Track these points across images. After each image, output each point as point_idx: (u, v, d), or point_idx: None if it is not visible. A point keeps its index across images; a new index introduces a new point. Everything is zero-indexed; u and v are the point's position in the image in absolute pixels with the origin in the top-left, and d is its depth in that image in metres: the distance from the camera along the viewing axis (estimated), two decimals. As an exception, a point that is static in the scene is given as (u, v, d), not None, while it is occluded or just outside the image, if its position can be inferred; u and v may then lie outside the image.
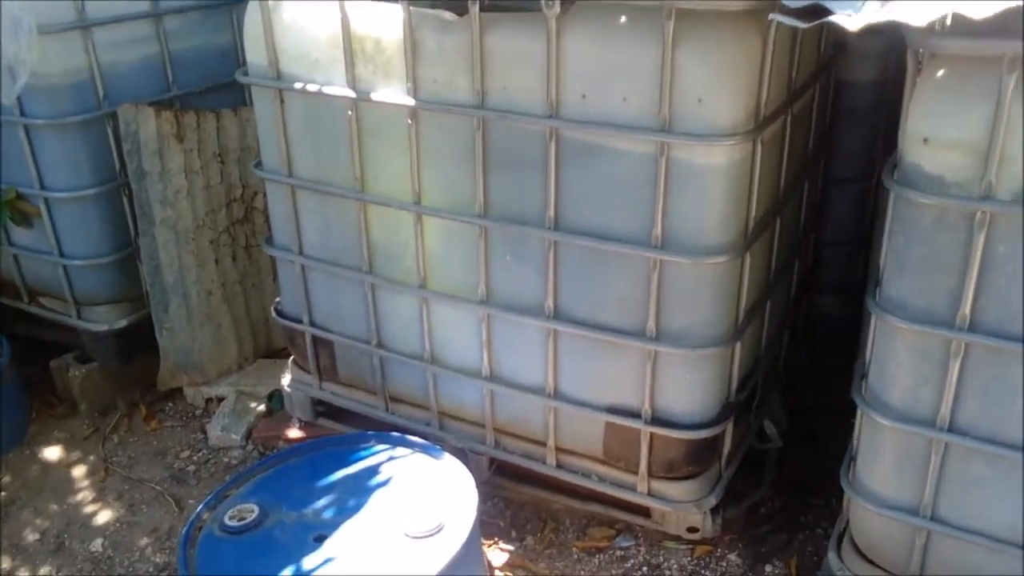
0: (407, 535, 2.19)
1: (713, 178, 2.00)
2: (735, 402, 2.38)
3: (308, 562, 2.14)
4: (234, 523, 2.24)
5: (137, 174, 2.75)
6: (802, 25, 1.63)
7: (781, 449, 2.70)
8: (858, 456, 2.11)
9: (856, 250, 3.09)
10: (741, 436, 2.55)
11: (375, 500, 2.32)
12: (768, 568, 2.45)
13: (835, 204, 3.05)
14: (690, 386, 2.26)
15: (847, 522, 2.25)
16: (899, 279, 1.85)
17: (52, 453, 2.93)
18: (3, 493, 2.75)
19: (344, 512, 2.28)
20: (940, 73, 1.67)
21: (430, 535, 2.19)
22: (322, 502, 2.32)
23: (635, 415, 2.29)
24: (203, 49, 2.98)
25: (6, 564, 2.50)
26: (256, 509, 2.27)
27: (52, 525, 2.64)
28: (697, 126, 1.93)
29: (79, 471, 2.85)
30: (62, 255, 2.86)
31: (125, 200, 2.85)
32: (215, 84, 2.99)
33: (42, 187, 2.77)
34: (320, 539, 2.20)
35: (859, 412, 2.06)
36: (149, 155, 2.74)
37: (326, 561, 2.15)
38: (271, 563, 2.14)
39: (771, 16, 1.65)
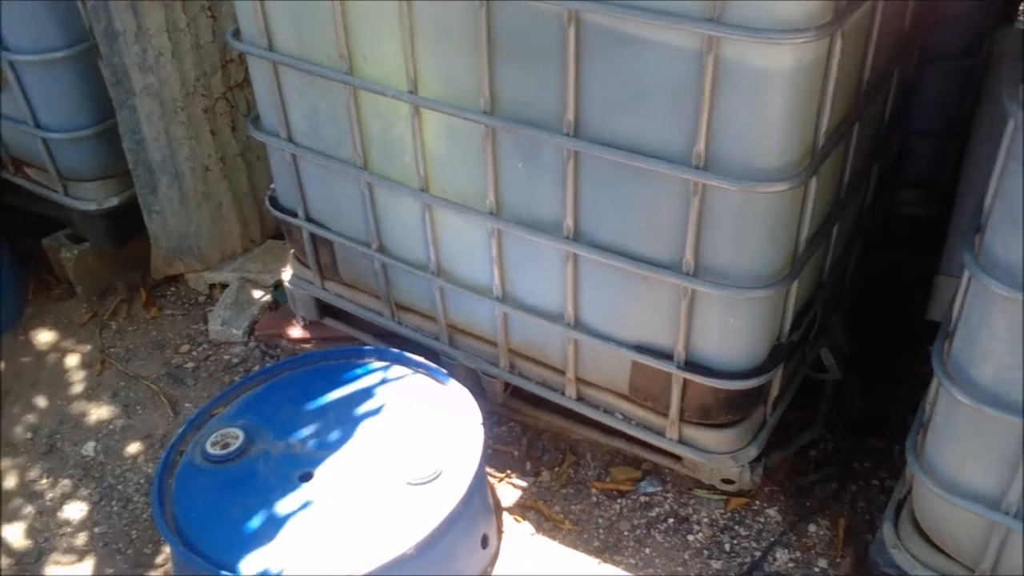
0: (402, 480, 1.95)
1: (774, 85, 1.53)
2: (786, 344, 2.00)
3: (289, 503, 1.93)
4: (216, 451, 2.04)
5: (107, 35, 2.37)
6: None
7: (840, 379, 2.33)
8: (930, 429, 1.73)
9: (948, 140, 2.56)
10: (792, 372, 2.18)
11: (369, 432, 2.07)
12: (812, 527, 2.14)
13: (927, 85, 2.49)
14: (732, 330, 1.88)
15: (908, 492, 1.91)
16: (1010, 234, 1.41)
17: (47, 339, 2.76)
18: (-2, 383, 2.61)
19: (334, 445, 2.05)
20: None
21: (427, 482, 1.95)
22: (311, 429, 2.09)
23: (666, 357, 1.94)
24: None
25: (-5, 463, 2.38)
26: (241, 435, 2.06)
27: (44, 423, 2.49)
28: (757, 16, 1.45)
29: (74, 362, 2.67)
30: (38, 126, 2.55)
31: (102, 65, 2.49)
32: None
33: (4, 48, 2.43)
34: (306, 477, 1.98)
35: (936, 379, 1.67)
36: (120, 11, 2.35)
37: (308, 504, 1.93)
38: (251, 502, 1.94)
39: None
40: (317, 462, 2.00)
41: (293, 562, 1.81)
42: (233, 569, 1.80)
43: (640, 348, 1.97)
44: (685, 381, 1.97)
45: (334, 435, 2.07)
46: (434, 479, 1.95)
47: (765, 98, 1.54)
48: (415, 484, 1.94)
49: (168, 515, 1.93)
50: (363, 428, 2.08)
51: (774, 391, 2.08)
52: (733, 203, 1.68)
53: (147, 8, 2.37)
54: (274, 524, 1.89)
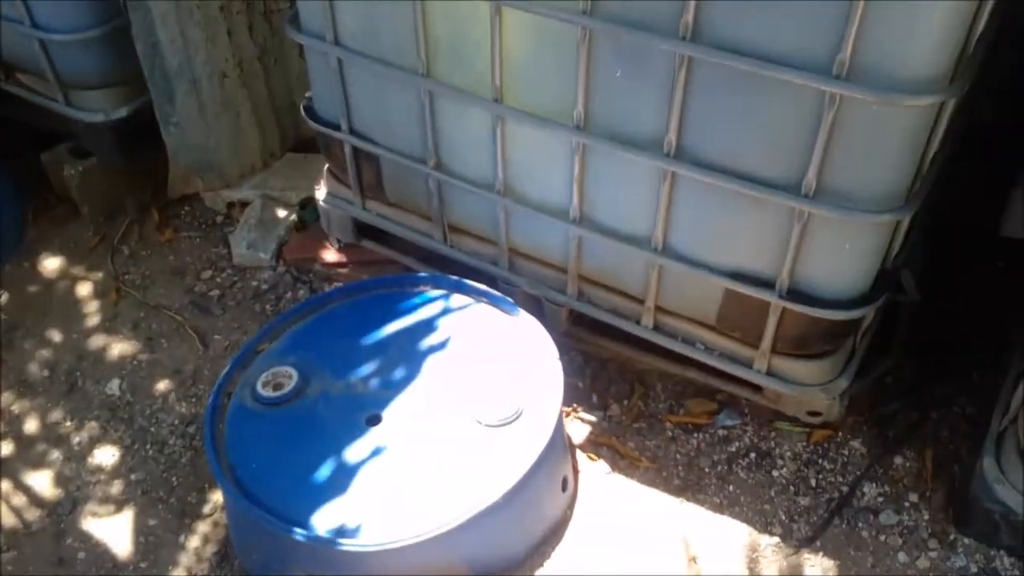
0: (479, 421, 1.80)
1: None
2: (892, 270, 1.85)
3: (359, 450, 1.76)
4: (269, 392, 1.86)
5: (119, -79, 2.07)
6: None
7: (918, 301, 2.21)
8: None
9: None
10: (882, 298, 2.04)
11: (437, 369, 1.90)
12: (898, 460, 2.03)
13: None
14: (847, 256, 1.72)
15: (1013, 421, 1.80)
16: None
17: (54, 266, 2.51)
18: (2, 316, 2.36)
19: (400, 384, 1.88)
20: None
21: (507, 423, 1.80)
22: (372, 368, 1.91)
23: (766, 285, 1.78)
24: None
25: (13, 405, 2.16)
26: (295, 374, 1.88)
27: (61, 359, 2.27)
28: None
29: (86, 291, 2.44)
30: (35, 26, 2.25)
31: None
32: None
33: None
34: (374, 420, 1.82)
35: None
36: None
37: (380, 450, 1.77)
38: (315, 449, 1.77)
39: None
40: (384, 403, 1.84)
41: (370, 516, 1.66)
42: (306, 526, 1.64)
43: (736, 275, 1.81)
44: (783, 310, 1.81)
45: (399, 373, 1.90)
46: (515, 419, 1.80)
47: (931, -4, 1.34)
48: (494, 426, 1.79)
49: (224, 466, 1.75)
50: (429, 364, 1.91)
51: (867, 319, 1.95)
52: (871, 117, 1.49)
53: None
54: (345, 474, 1.73)
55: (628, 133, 1.72)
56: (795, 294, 1.77)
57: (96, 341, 2.31)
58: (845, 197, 1.60)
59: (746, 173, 1.65)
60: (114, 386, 2.21)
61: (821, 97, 1.48)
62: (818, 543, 1.89)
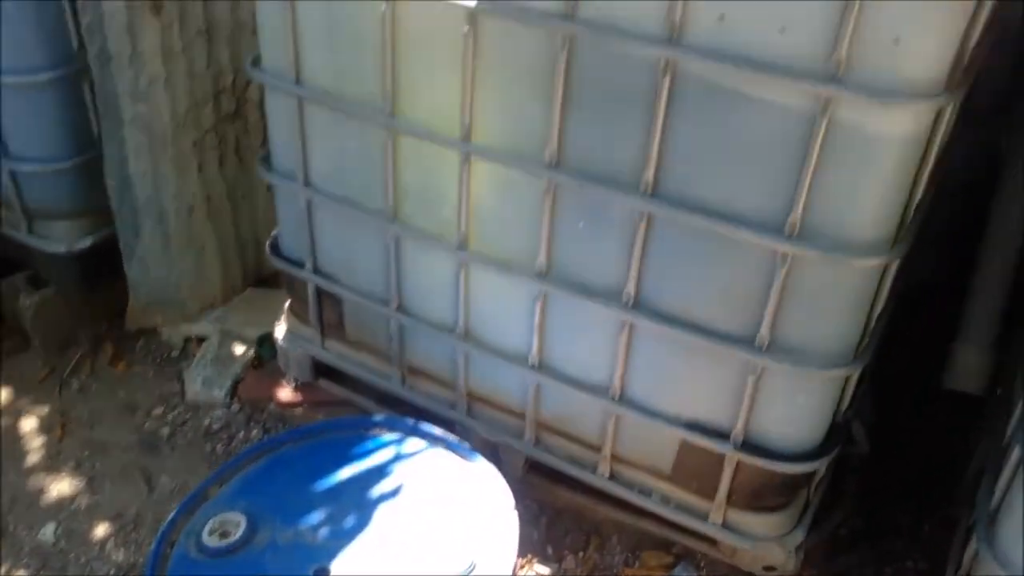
0: (432, 574, 1.73)
1: (888, 152, 1.43)
2: (843, 422, 1.88)
3: (306, 609, 1.68)
4: (215, 541, 1.76)
5: (100, 58, 2.14)
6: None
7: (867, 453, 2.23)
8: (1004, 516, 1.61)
9: (965, 201, 2.52)
10: (836, 453, 2.06)
11: (389, 517, 1.84)
12: (856, 617, 2.00)
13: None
14: (800, 409, 1.75)
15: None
16: None
17: (-1, 399, 2.44)
18: (-65, 449, 2.28)
19: (351, 533, 1.80)
20: None
21: (459, 577, 1.73)
22: (323, 515, 1.83)
23: (721, 436, 1.79)
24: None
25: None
26: (243, 521, 1.79)
27: (-6, 501, 2.18)
28: (886, 78, 1.35)
29: (30, 426, 2.36)
30: (7, 155, 2.28)
31: (87, 91, 2.25)
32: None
33: (-19, 66, 2.17)
34: (321, 574, 1.74)
35: (1014, 456, 1.55)
36: (116, 32, 2.12)
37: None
38: (260, 606, 1.68)
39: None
40: (333, 554, 1.76)
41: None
42: None
43: (692, 426, 1.82)
44: (739, 462, 1.82)
45: (350, 521, 1.83)
46: (468, 573, 1.74)
47: (876, 165, 1.44)
48: (446, 577, 1.73)
49: (167, 629, 1.65)
50: (382, 512, 1.85)
51: (820, 471, 1.96)
52: (822, 276, 1.56)
53: (144, 28, 2.14)
54: (289, 632, 1.64)
55: (589, 283, 1.76)
56: (750, 446, 1.78)
57: (34, 481, 2.21)
58: (798, 351, 1.64)
59: (703, 325, 1.69)
60: (48, 531, 2.10)
61: (774, 255, 1.55)
62: None
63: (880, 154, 1.43)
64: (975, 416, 2.17)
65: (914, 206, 1.58)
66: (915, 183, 1.54)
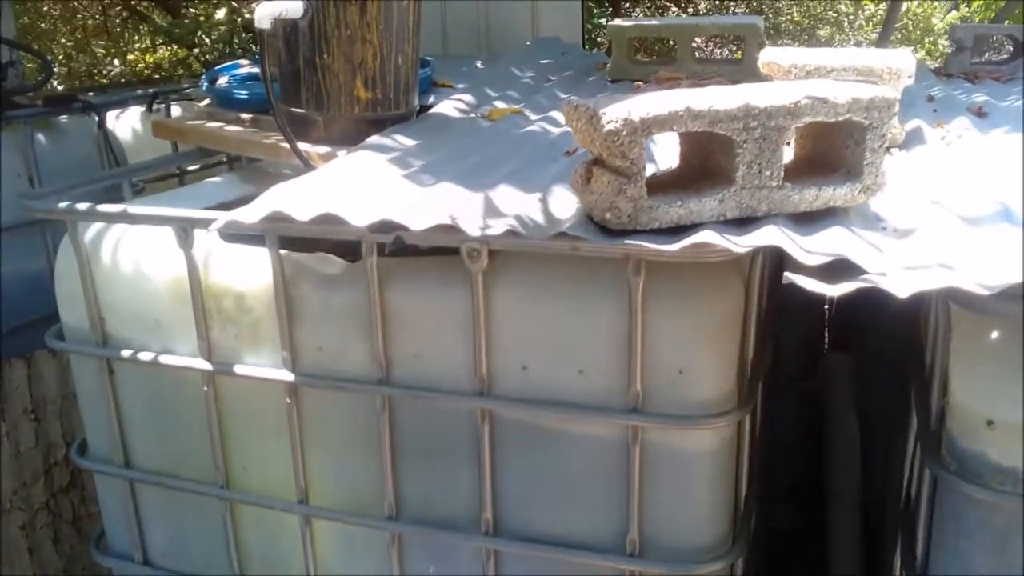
0: None
1: (701, 464, 1.52)
2: None
3: None
4: None
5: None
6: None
7: None
8: None
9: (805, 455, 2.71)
10: None
11: None
12: None
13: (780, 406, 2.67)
14: None
15: None
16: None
17: None
18: None
19: None
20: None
21: None
22: None
23: None
24: (7, 280, 2.35)
25: None
26: None
27: None
28: (678, 404, 1.46)
29: None
30: None
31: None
32: (26, 320, 2.34)
33: None
34: None
35: None
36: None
37: None
38: None
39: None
40: None
41: None
42: None
43: None
44: None
45: None
46: None
47: (695, 476, 1.52)
48: None
49: None
50: None
51: None
52: (670, 584, 1.59)
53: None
54: None
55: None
56: None
57: None
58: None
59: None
60: None
61: (622, 573, 1.57)
62: None
63: (695, 467, 1.52)
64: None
65: (742, 503, 1.66)
66: (737, 482, 1.63)
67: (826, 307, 3.12)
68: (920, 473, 1.48)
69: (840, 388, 2.54)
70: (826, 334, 3.15)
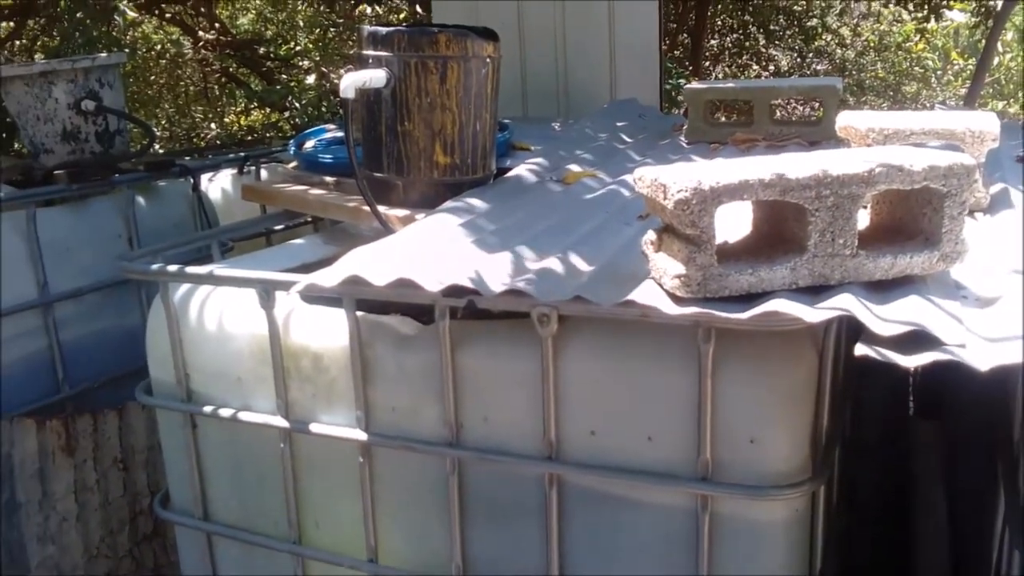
0: None
1: (773, 536, 1.48)
2: None
3: None
4: None
5: (7, 508, 2.15)
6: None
7: None
8: None
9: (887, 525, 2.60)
10: None
11: None
12: None
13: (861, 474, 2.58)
14: None
15: None
16: None
17: None
18: None
19: None
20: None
21: None
22: None
23: None
24: (105, 335, 2.47)
25: None
26: None
27: None
28: (749, 474, 1.43)
29: None
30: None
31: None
32: (120, 373, 2.45)
33: None
34: None
35: None
36: (25, 480, 2.15)
37: None
38: None
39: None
40: None
41: None
42: None
43: None
44: None
45: None
46: None
47: (765, 548, 1.48)
48: None
49: None
50: None
51: None
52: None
53: (57, 470, 2.18)
54: None
55: None
56: None
57: None
58: None
59: None
60: None
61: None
62: None
63: (767, 538, 1.48)
64: None
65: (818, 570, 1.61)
66: (811, 554, 1.59)
67: (911, 370, 3.01)
68: (1009, 555, 1.41)
69: (927, 457, 2.45)
70: (911, 399, 3.04)
